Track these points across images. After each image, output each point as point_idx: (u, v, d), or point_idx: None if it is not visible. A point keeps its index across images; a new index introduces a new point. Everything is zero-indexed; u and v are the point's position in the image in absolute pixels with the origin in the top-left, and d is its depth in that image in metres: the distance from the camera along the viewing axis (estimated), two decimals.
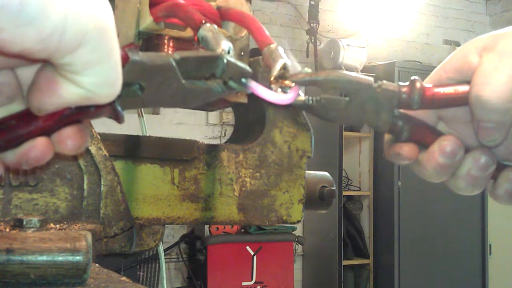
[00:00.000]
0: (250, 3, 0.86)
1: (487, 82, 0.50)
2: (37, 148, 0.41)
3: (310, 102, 0.54)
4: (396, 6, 5.87)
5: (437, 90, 0.54)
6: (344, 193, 5.25)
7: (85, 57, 0.38)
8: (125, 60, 0.42)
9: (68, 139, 0.42)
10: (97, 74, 0.39)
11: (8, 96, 0.42)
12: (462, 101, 0.53)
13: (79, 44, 0.37)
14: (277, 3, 5.57)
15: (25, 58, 0.38)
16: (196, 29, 0.67)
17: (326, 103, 0.54)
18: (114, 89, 0.40)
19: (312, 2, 5.24)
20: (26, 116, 0.41)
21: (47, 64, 0.39)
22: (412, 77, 0.55)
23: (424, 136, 0.56)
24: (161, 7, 0.80)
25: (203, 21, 0.67)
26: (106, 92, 0.40)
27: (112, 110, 0.43)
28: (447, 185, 0.57)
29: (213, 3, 0.82)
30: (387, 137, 0.58)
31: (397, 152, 0.56)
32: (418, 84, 0.54)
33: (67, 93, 0.39)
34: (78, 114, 0.42)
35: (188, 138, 0.96)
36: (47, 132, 0.42)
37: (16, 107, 0.42)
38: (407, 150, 0.56)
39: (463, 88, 0.53)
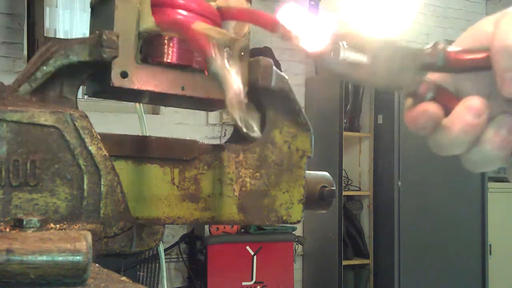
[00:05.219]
0: (250, 3, 0.86)
1: (510, 31, 0.50)
2: None
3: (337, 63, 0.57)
4: (396, 6, 5.86)
5: (459, 52, 0.55)
6: (344, 193, 5.25)
7: None
8: None
9: None
10: None
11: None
12: (484, 63, 0.53)
13: None
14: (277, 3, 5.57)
15: None
16: (204, 58, 0.69)
17: (351, 64, 0.56)
18: None
19: (312, 2, 5.24)
20: None
21: None
22: (435, 41, 0.56)
23: (449, 100, 0.55)
24: (166, 21, 0.80)
25: (212, 52, 0.68)
26: None
27: None
28: (467, 159, 0.55)
29: (213, 3, 0.82)
30: (408, 101, 0.57)
31: (423, 109, 0.55)
32: (441, 46, 0.55)
33: None
34: None
35: (188, 138, 0.96)
36: None
37: None
38: (434, 107, 0.54)
39: (484, 54, 0.54)
